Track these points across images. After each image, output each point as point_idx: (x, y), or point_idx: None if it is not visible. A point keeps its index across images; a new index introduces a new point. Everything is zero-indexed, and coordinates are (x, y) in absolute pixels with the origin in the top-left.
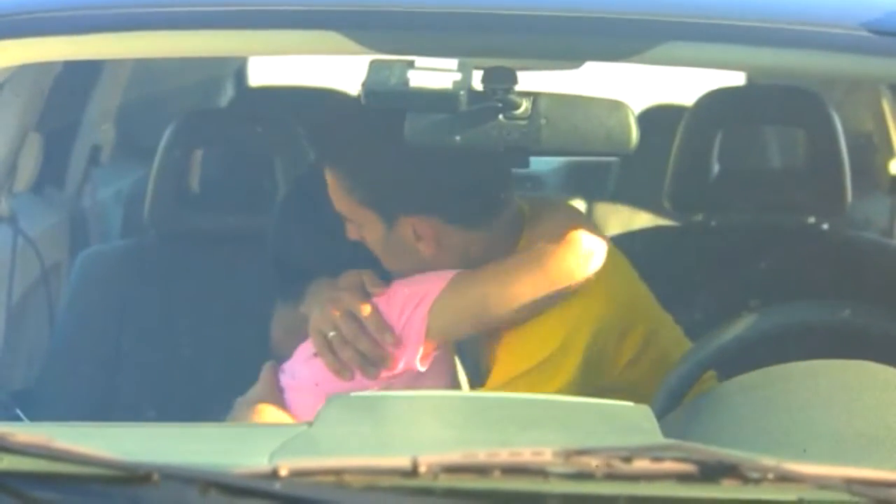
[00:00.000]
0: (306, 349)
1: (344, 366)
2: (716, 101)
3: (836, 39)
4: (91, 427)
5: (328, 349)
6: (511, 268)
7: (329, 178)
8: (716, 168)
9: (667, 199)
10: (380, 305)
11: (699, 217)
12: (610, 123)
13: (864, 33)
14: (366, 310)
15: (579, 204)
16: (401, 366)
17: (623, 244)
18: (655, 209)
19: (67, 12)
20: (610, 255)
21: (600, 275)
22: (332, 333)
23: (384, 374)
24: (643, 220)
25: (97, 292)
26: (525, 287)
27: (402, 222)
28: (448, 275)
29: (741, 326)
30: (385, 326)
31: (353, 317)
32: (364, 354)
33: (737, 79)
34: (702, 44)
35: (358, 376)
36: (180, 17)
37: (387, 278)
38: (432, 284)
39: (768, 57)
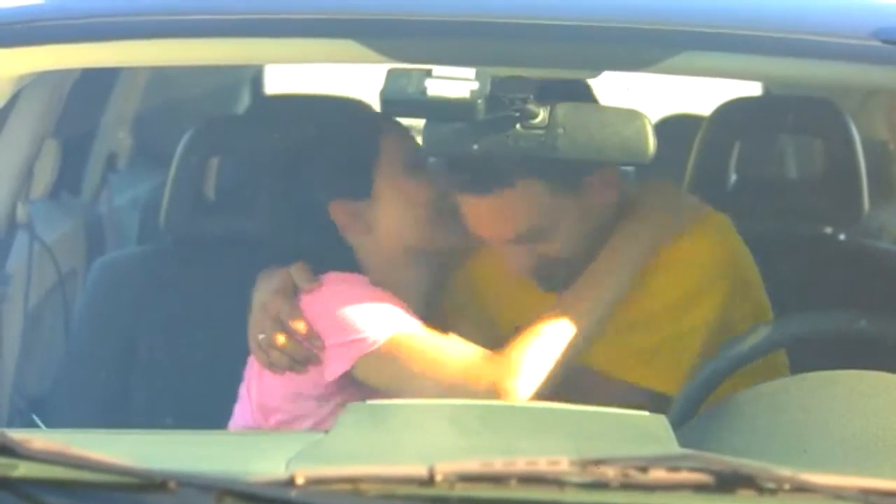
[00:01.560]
0: None
1: (274, 364)
2: (733, 111)
3: (851, 50)
4: (107, 434)
5: (260, 349)
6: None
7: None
8: (733, 178)
9: None
10: (310, 304)
11: None
12: (627, 133)
13: (879, 43)
14: (293, 315)
15: None
16: (336, 366)
17: None
18: None
19: (85, 20)
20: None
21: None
22: (261, 336)
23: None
24: None
25: (113, 299)
26: None
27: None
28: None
29: (758, 336)
30: (311, 331)
31: (280, 322)
32: (292, 356)
33: (753, 89)
34: (719, 54)
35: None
36: (198, 25)
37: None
38: (357, 284)
39: (785, 67)
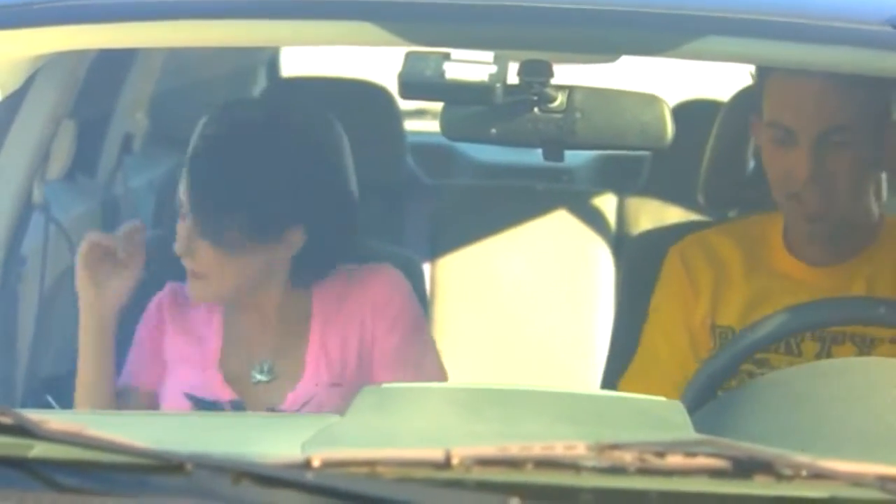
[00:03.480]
0: None
1: None
2: (752, 96)
3: (869, 36)
4: (123, 416)
5: None
6: None
7: None
8: (751, 164)
9: (701, 193)
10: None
11: (733, 213)
12: (645, 118)
13: (893, 29)
14: None
15: (610, 198)
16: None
17: (655, 239)
18: (688, 204)
19: (101, 0)
20: None
21: None
22: None
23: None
24: (675, 214)
25: None
26: None
27: None
28: None
29: (776, 322)
30: None
31: None
32: None
33: None
34: (738, 39)
35: None
36: (214, 6)
37: None
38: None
39: (804, 53)
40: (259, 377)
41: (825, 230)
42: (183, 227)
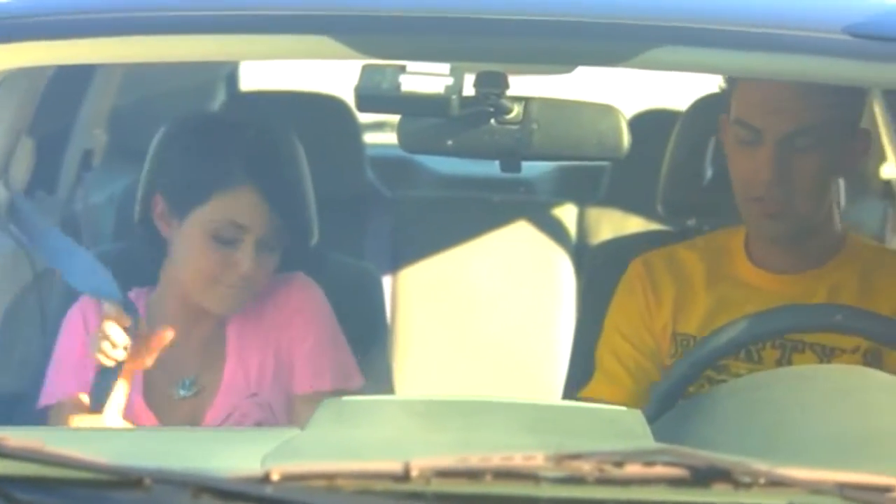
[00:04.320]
0: None
1: None
2: (709, 106)
3: (824, 44)
4: (82, 432)
5: None
6: None
7: None
8: (709, 173)
9: (660, 203)
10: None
11: (692, 222)
12: (601, 128)
13: (851, 38)
14: None
15: (571, 208)
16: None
17: (615, 248)
18: (647, 214)
19: (59, 16)
20: None
21: None
22: None
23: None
24: (635, 224)
25: None
26: None
27: None
28: None
29: (735, 330)
30: None
31: None
32: None
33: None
34: (695, 48)
35: None
36: (172, 21)
37: None
38: None
39: (759, 62)
40: (182, 393)
41: (784, 231)
42: (249, 245)
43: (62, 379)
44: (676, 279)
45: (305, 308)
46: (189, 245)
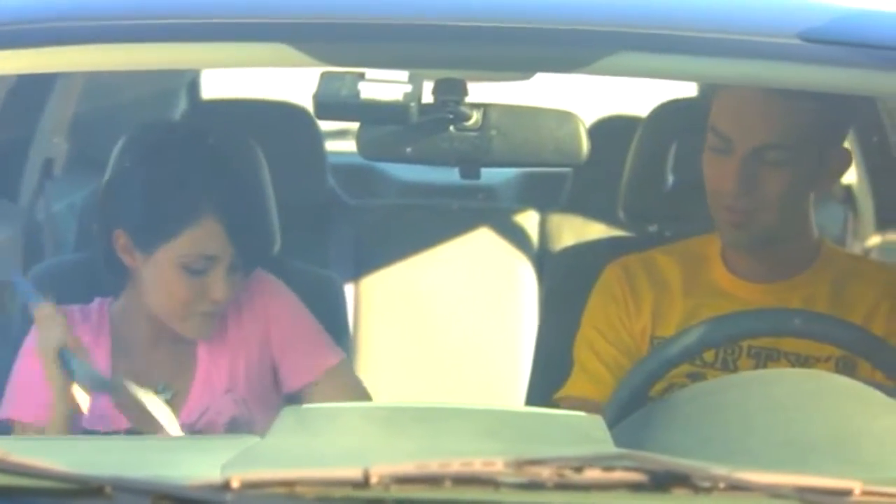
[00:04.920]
0: None
1: None
2: (670, 112)
3: (779, 49)
4: (43, 441)
5: None
6: None
7: None
8: (670, 179)
9: (622, 209)
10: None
11: (654, 227)
12: (560, 134)
13: (806, 42)
14: None
15: (533, 215)
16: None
17: (577, 255)
18: (609, 220)
19: (18, 26)
20: None
21: None
22: None
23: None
24: (597, 230)
25: None
26: None
27: None
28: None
29: (693, 335)
30: None
31: None
32: None
33: (689, 90)
34: (651, 54)
35: None
36: (131, 30)
37: None
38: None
39: (716, 67)
40: (160, 398)
41: (749, 241)
42: (220, 272)
43: (25, 398)
44: (655, 284)
45: (273, 303)
46: (158, 277)
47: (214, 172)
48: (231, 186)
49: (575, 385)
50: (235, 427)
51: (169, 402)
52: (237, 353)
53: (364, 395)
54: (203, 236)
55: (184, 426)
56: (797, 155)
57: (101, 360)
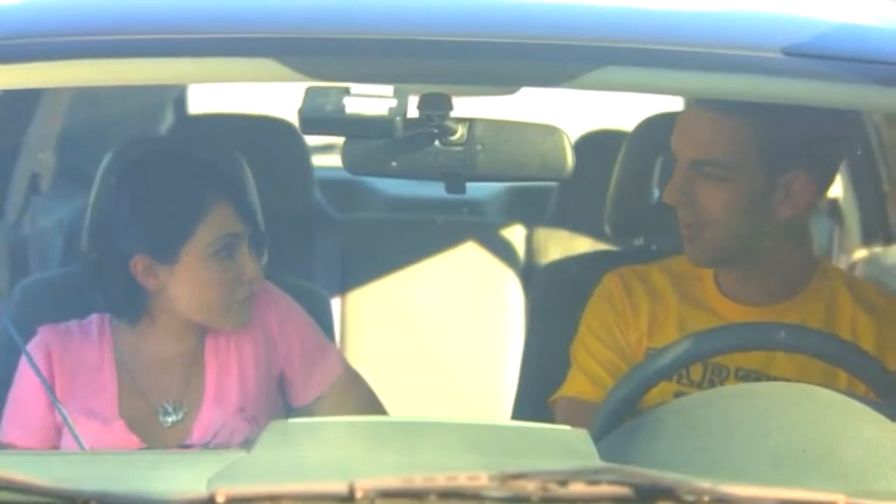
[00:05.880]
0: None
1: None
2: (655, 126)
3: (761, 63)
4: (29, 455)
5: None
6: None
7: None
8: (656, 193)
9: (608, 223)
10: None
11: (640, 241)
12: (545, 148)
13: (788, 56)
14: None
15: (519, 229)
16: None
17: (564, 269)
18: (595, 234)
19: (4, 41)
20: None
21: None
22: None
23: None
24: (583, 244)
25: (37, 321)
26: None
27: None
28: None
29: (679, 349)
30: None
31: None
32: None
33: (675, 104)
34: (636, 68)
35: None
36: (118, 45)
37: None
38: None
39: (701, 81)
40: (170, 420)
41: (701, 257)
42: (245, 250)
43: (20, 422)
44: (651, 296)
45: (280, 316)
46: (192, 277)
47: (210, 166)
48: (229, 176)
49: (572, 385)
50: None
51: (180, 423)
52: (246, 368)
53: (376, 405)
54: (220, 218)
55: (197, 447)
56: (738, 174)
57: (105, 377)
